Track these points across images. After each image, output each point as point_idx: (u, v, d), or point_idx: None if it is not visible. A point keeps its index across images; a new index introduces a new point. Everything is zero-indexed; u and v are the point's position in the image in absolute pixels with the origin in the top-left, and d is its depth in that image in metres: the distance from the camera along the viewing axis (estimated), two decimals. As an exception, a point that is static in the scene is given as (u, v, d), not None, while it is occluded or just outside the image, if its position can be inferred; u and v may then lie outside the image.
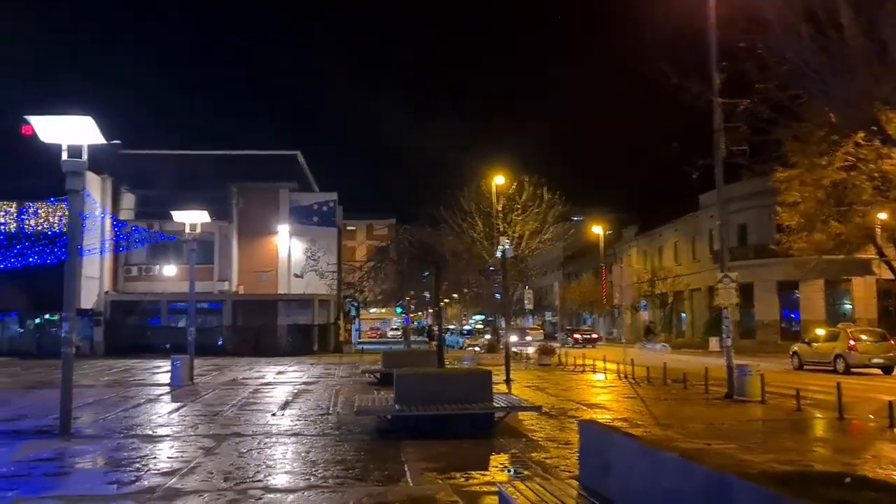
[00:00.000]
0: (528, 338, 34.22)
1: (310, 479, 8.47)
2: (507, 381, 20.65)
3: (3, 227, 38.23)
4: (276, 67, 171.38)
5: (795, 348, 28.39)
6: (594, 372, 25.78)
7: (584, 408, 15.51)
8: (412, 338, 55.74)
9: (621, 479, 4.92)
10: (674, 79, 12.27)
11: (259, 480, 8.40)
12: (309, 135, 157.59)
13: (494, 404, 11.91)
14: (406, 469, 8.90)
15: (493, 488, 7.67)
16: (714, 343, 41.47)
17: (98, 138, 12.21)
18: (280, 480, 8.48)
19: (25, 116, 12.33)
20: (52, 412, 12.84)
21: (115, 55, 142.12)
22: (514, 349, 30.95)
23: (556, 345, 37.75)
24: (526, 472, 8.70)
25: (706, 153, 17.94)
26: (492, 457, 9.96)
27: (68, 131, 11.98)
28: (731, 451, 10.04)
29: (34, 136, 12.61)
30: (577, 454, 5.86)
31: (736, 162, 16.75)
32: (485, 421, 11.63)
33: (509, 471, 8.96)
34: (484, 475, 8.69)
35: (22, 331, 42.66)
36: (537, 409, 13.09)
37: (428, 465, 9.09)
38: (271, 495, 7.71)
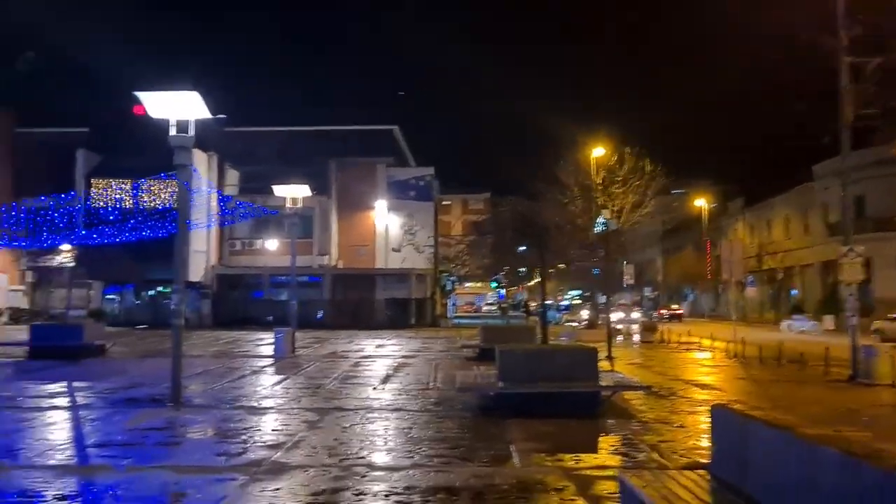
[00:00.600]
0: (634, 314, 33.17)
1: (413, 457, 8.27)
2: (610, 357, 20.03)
3: (119, 203, 40.21)
4: (374, 41, 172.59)
5: (877, 325, 28.10)
6: (700, 350, 24.79)
7: (695, 388, 14.79)
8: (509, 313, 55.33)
9: (764, 474, 4.42)
10: (803, 35, 11.21)
11: (362, 457, 8.27)
12: (404, 108, 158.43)
13: (601, 383, 11.45)
14: (512, 449, 8.58)
15: (607, 472, 7.28)
16: (829, 321, 39.22)
17: (204, 113, 12.36)
18: (383, 458, 8.32)
19: (135, 93, 12.56)
20: (164, 381, 13.17)
21: (213, 32, 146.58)
22: (616, 326, 30.13)
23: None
24: (640, 457, 8.23)
25: (828, 119, 16.64)
26: (601, 438, 9.54)
27: (175, 106, 12.17)
28: (864, 440, 9.22)
29: (146, 115, 12.88)
30: (711, 443, 5.37)
31: (864, 126, 15.42)
32: (591, 400, 11.17)
33: (622, 454, 8.51)
34: (595, 458, 8.28)
35: (138, 302, 44.91)
36: (647, 388, 12.54)
37: (534, 445, 8.74)
38: (376, 473, 7.54)
